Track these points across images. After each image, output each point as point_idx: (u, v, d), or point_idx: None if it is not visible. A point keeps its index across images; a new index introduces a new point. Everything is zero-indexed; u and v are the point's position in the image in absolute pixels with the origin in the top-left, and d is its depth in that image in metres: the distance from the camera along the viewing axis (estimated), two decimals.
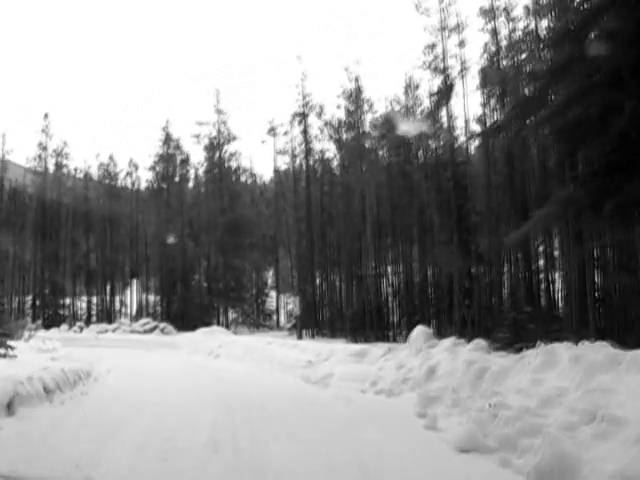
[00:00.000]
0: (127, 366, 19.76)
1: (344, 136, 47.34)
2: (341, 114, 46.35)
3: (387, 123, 42.34)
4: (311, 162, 48.89)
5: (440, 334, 27.20)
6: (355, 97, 44.47)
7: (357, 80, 44.48)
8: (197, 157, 58.31)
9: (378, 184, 43.07)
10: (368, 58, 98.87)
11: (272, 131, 56.25)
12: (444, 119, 36.59)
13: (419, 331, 17.78)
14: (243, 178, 57.20)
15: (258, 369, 19.43)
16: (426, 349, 14.83)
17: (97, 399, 12.31)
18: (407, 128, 40.07)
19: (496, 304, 32.10)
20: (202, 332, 37.75)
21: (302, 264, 47.18)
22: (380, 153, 46.12)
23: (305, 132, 48.49)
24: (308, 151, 48.45)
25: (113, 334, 45.52)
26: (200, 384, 15.91)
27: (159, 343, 32.24)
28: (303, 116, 48.32)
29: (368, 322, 38.01)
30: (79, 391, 12.58)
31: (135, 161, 60.42)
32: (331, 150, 49.17)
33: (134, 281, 60.31)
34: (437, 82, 36.01)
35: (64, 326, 47.94)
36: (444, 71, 34.49)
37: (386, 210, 42.23)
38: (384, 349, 17.22)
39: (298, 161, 49.94)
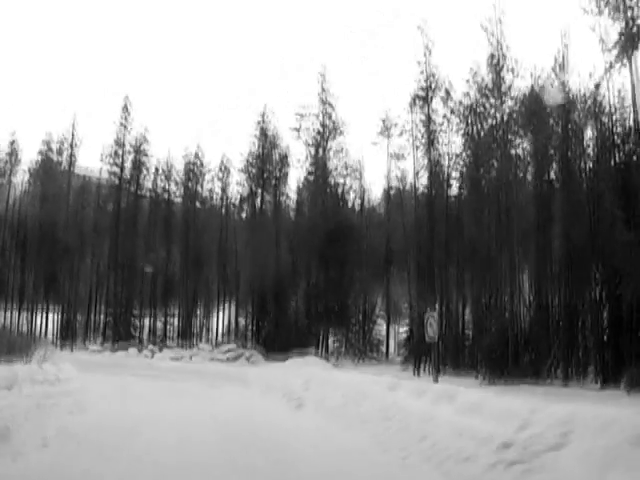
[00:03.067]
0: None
1: (475, 127, 39.56)
2: (470, 98, 38.95)
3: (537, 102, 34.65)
4: (433, 156, 41.21)
5: None
6: (496, 69, 36.54)
7: (499, 45, 36.27)
8: (297, 155, 51.27)
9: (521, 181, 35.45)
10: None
11: (385, 132, 50.15)
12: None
13: None
14: (349, 181, 50.17)
15: (390, 456, 9.99)
16: None
17: None
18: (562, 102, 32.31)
19: None
20: (293, 363, 30.96)
21: (420, 284, 39.64)
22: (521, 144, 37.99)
23: (428, 120, 41.20)
24: (430, 143, 40.98)
25: (190, 361, 39.63)
26: None
27: (232, 375, 24.74)
28: (426, 100, 41.09)
29: (511, 356, 29.96)
30: None
31: (225, 162, 54.34)
32: (457, 144, 41.53)
33: (221, 301, 54.00)
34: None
35: (132, 350, 42.26)
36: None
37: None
38: None
39: (418, 155, 42.18)
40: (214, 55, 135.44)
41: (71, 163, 51.95)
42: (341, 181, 49.42)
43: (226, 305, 54.51)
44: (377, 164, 73.05)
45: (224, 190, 54.72)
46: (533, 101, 35.15)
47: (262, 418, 13.60)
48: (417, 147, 41.98)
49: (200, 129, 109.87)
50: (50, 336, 51.02)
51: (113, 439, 10.33)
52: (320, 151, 48.72)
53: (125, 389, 18.82)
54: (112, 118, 52.65)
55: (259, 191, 50.75)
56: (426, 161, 41.33)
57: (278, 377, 19.61)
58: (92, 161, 75.44)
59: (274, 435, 11.16)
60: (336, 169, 48.88)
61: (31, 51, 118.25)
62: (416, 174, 41.87)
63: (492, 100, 37.99)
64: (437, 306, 37.86)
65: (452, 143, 41.41)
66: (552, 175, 36.03)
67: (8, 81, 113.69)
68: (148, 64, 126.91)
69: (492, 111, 37.87)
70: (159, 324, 52.47)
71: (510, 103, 36.96)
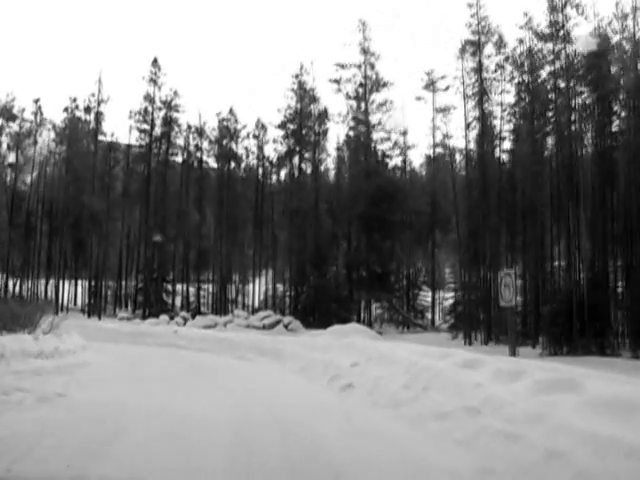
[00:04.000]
0: None
1: (531, 75, 36.66)
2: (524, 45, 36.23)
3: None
4: (485, 108, 38.42)
5: None
6: (557, 7, 33.59)
7: None
8: (337, 110, 48.85)
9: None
10: None
11: (431, 85, 47.51)
12: None
13: None
14: (394, 136, 47.35)
15: None
16: None
17: None
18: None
19: None
20: (334, 332, 28.54)
21: (471, 247, 37.11)
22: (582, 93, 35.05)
23: (480, 68, 38.30)
24: (482, 93, 38.13)
25: (224, 329, 37.65)
26: None
27: (266, 346, 21.04)
28: (477, 45, 38.18)
29: (577, 325, 27.41)
30: None
31: (261, 119, 51.84)
32: (511, 94, 38.72)
33: (257, 267, 51.91)
34: None
35: (164, 317, 40.44)
36: None
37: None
38: None
39: (468, 107, 39.34)
40: (248, 11, 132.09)
41: (98, 120, 49.89)
42: (384, 135, 46.64)
43: (263, 272, 52.66)
44: (421, 122, 69.77)
45: (260, 149, 52.47)
46: (596, 46, 32.36)
47: (296, 415, 9.36)
48: (468, 96, 39.04)
49: (234, 89, 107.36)
50: (79, 304, 49.73)
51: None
52: (362, 105, 46.05)
53: (136, 365, 16.28)
54: (141, 80, 50.31)
55: (297, 149, 48.21)
56: (477, 112, 38.50)
57: (319, 348, 16.70)
58: (120, 128, 73.85)
59: (314, 445, 7.24)
60: (379, 124, 46.21)
61: (58, 13, 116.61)
62: (467, 125, 38.99)
63: (550, 45, 35.25)
64: (517, 266, 35.46)
65: (505, 93, 38.74)
66: (616, 128, 33.36)
67: (35, 43, 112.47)
68: (176, 25, 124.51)
69: (550, 57, 35.15)
70: (192, 290, 50.61)
71: (570, 50, 34.22)
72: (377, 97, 45.99)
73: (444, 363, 9.73)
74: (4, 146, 49.71)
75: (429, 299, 48.45)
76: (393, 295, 45.12)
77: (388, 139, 46.42)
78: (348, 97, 46.12)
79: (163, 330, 28.67)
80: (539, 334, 30.76)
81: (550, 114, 35.77)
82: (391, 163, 47.45)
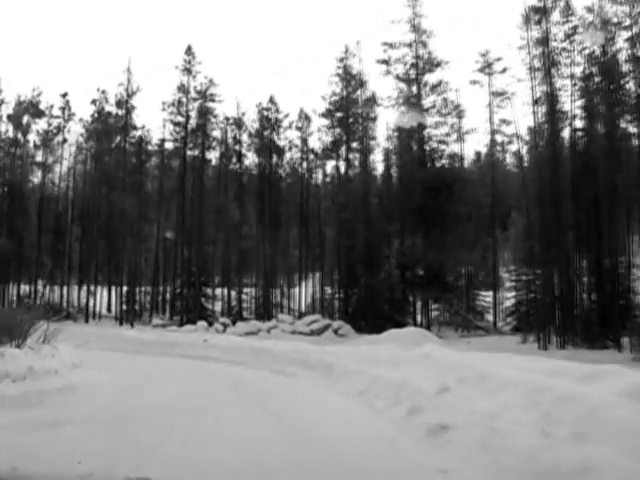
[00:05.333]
0: None
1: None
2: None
3: None
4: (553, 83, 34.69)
5: None
6: None
7: None
8: (385, 92, 45.88)
9: None
10: None
11: (486, 68, 45.32)
12: None
13: None
14: (450, 120, 43.59)
15: None
16: None
17: None
18: None
19: None
20: (392, 338, 25.43)
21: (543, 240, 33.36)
22: None
23: (546, 39, 34.54)
24: (550, 65, 34.35)
25: (267, 336, 34.72)
26: None
27: (313, 357, 16.31)
28: (543, 12, 34.48)
29: None
30: None
31: (305, 109, 48.87)
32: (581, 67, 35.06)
33: (303, 268, 48.78)
34: None
35: (202, 323, 37.68)
36: None
37: None
38: None
39: (534, 83, 35.59)
40: None
41: (128, 112, 46.89)
42: (439, 120, 42.84)
43: (309, 274, 49.59)
44: (476, 108, 65.79)
45: (304, 141, 49.23)
46: None
47: None
48: (534, 69, 35.20)
49: (273, 78, 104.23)
50: (113, 311, 46.97)
51: None
52: (414, 87, 42.43)
53: (140, 389, 12.59)
54: (174, 70, 47.48)
55: (344, 138, 44.82)
56: (545, 87, 34.63)
57: (383, 361, 12.41)
58: (152, 121, 71.51)
59: None
60: (433, 107, 42.45)
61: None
62: (535, 102, 35.10)
63: (626, 8, 31.68)
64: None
65: (575, 66, 34.96)
66: None
67: (58, 34, 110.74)
68: (210, 11, 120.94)
69: (627, 21, 31.58)
70: (233, 294, 47.41)
71: None
72: (430, 78, 42.42)
73: (598, 390, 5.93)
74: (30, 144, 47.47)
75: (489, 299, 44.86)
76: (454, 295, 41.44)
77: (443, 123, 42.62)
78: (398, 79, 42.52)
79: (192, 339, 24.74)
80: None
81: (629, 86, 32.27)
82: (447, 150, 43.62)
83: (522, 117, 42.71)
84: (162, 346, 22.42)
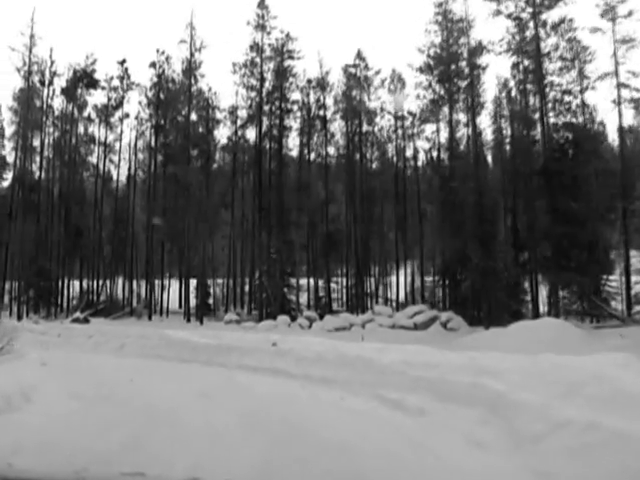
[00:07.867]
0: None
1: None
2: None
3: None
4: None
5: None
6: None
7: None
8: (495, 36, 40.38)
9: None
10: None
11: (610, 11, 37.96)
12: None
13: None
14: (577, 65, 36.70)
15: None
16: None
17: None
18: None
19: None
20: (524, 331, 19.60)
21: None
22: None
23: None
24: None
25: (362, 331, 29.40)
26: None
27: (452, 385, 8.50)
28: None
29: None
30: None
31: (397, 69, 43.34)
32: None
33: (400, 255, 43.02)
34: None
35: (283, 318, 32.71)
36: None
37: None
38: None
39: None
40: None
41: (193, 74, 40.89)
42: (562, 65, 35.97)
43: (407, 262, 43.96)
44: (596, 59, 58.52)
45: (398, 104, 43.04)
46: None
47: None
48: None
49: (359, 32, 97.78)
50: (183, 307, 41.91)
51: None
52: (530, 28, 35.81)
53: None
54: (245, 26, 42.24)
55: (446, 96, 38.54)
56: None
57: (589, 387, 6.58)
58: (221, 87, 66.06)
59: None
60: (556, 49, 35.67)
61: None
62: None
63: None
64: None
65: None
66: None
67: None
68: None
69: None
70: (321, 284, 42.05)
71: None
72: (551, 15, 35.67)
73: None
74: (87, 120, 43.02)
75: (614, 284, 38.06)
76: (588, 276, 34.64)
77: (568, 68, 35.90)
78: (510, 17, 35.95)
79: (256, 342, 16.85)
80: None
81: None
82: (574, 102, 36.78)
83: None
84: (214, 352, 15.26)
